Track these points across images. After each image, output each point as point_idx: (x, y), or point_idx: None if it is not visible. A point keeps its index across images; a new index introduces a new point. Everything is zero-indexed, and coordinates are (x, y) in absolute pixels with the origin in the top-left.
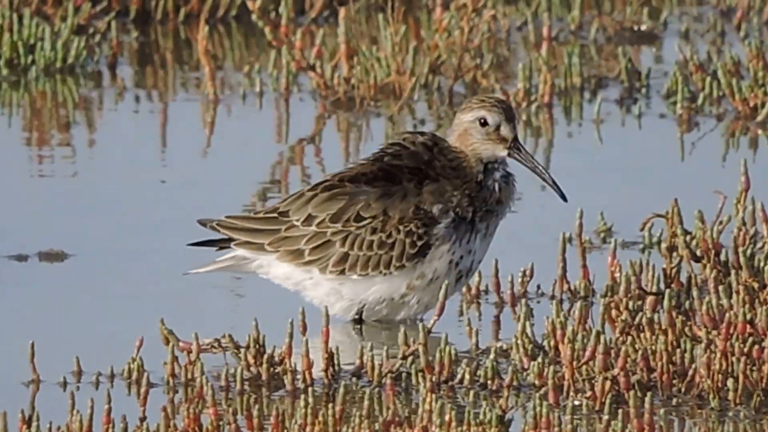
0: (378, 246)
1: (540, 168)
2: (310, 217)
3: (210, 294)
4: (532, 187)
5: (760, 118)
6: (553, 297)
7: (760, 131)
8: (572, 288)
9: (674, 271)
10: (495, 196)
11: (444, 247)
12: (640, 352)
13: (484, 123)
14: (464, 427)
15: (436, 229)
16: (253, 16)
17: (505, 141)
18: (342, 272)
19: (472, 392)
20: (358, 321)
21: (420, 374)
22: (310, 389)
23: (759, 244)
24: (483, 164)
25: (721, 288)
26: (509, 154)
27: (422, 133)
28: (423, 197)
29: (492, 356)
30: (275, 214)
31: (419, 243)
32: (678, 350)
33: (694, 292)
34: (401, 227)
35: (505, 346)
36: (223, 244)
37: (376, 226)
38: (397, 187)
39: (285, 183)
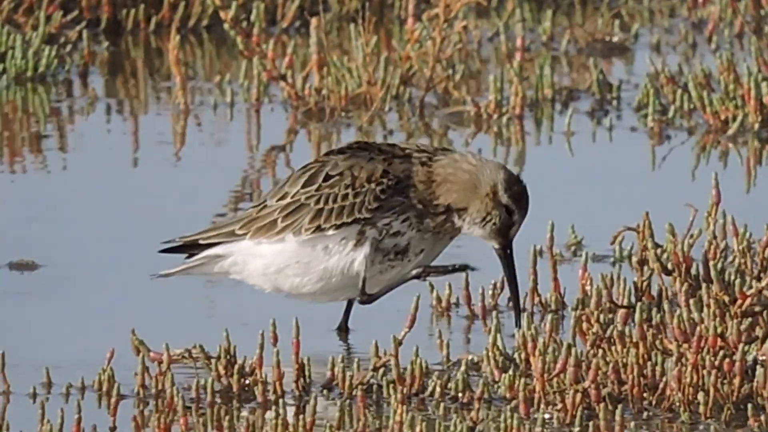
0: (353, 196)
1: (516, 284)
2: (286, 194)
3: (182, 304)
4: None
5: (731, 132)
6: (524, 310)
7: (731, 145)
8: (543, 301)
9: (645, 284)
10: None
11: (387, 212)
12: (611, 365)
13: (510, 212)
14: None
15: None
16: (225, 26)
17: (505, 239)
18: (318, 229)
19: (442, 405)
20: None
21: (391, 386)
22: (280, 400)
23: (729, 258)
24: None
25: (692, 301)
26: (498, 250)
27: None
28: (393, 167)
29: (463, 368)
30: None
31: (389, 191)
32: (649, 363)
33: (665, 306)
34: (372, 184)
35: (476, 359)
36: (192, 251)
37: (347, 182)
38: (365, 153)
39: (257, 194)
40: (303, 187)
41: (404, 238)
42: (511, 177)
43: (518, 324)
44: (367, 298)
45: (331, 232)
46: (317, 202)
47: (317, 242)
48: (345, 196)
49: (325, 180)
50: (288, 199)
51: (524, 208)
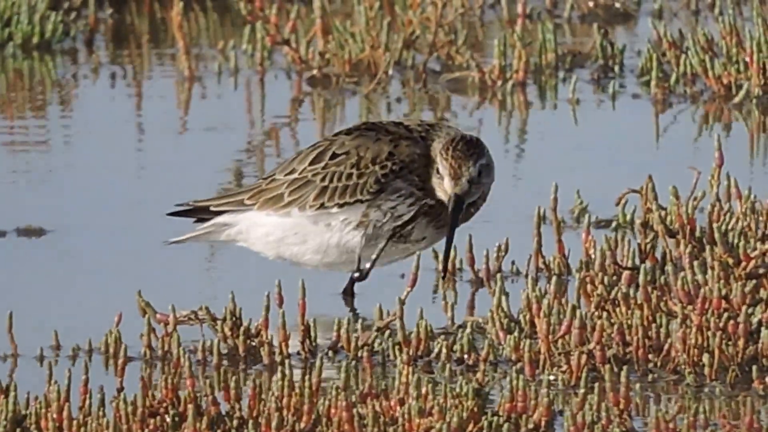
0: (357, 177)
1: (450, 237)
2: (294, 170)
3: (188, 267)
4: (507, 163)
5: (736, 100)
6: (527, 274)
7: (736, 113)
8: (547, 263)
9: (649, 246)
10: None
11: (392, 195)
12: (615, 327)
13: (437, 170)
14: (441, 400)
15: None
16: None
17: (445, 193)
18: (322, 206)
19: (448, 366)
20: (359, 269)
21: (396, 348)
22: (286, 361)
23: (733, 221)
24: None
25: (696, 263)
26: (446, 203)
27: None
28: (399, 149)
29: (468, 330)
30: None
31: (391, 175)
32: (654, 325)
33: (669, 268)
34: (376, 166)
35: (481, 320)
36: (200, 215)
37: (353, 161)
38: (372, 133)
39: (261, 159)
40: (311, 164)
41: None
42: (445, 144)
43: (444, 271)
44: (360, 275)
45: (334, 210)
46: (323, 179)
47: (320, 219)
48: (349, 176)
49: (331, 158)
50: (295, 175)
51: (444, 162)
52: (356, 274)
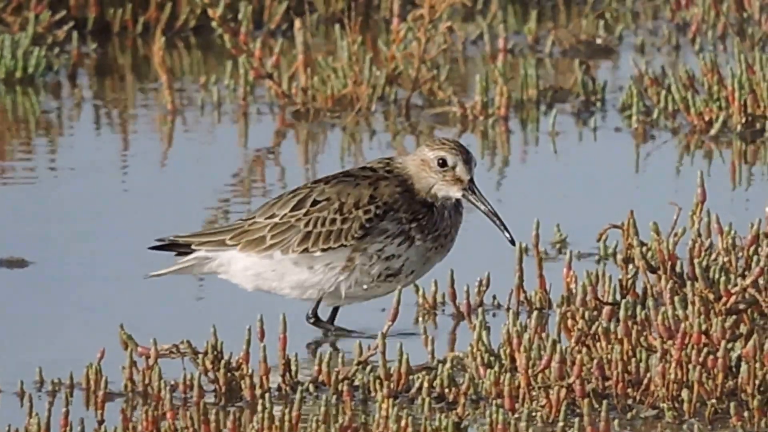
0: (341, 222)
1: (492, 211)
2: (274, 215)
3: (170, 300)
4: (489, 195)
5: (713, 132)
6: (509, 308)
7: (713, 145)
8: (528, 297)
9: (630, 281)
10: (446, 222)
11: (379, 237)
12: (595, 361)
13: (443, 163)
14: None
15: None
16: (213, 24)
17: (461, 182)
18: (305, 251)
19: (428, 400)
20: (314, 314)
21: (377, 382)
22: (267, 395)
23: (713, 256)
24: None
25: (676, 299)
26: (464, 196)
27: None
28: (379, 191)
29: (448, 365)
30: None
31: (376, 219)
32: (633, 360)
33: (650, 303)
34: (359, 211)
35: (461, 355)
36: (182, 249)
37: (335, 207)
38: (350, 179)
39: (246, 192)
40: (292, 210)
41: (399, 261)
42: (429, 142)
43: (513, 242)
44: (314, 321)
45: (318, 254)
46: (306, 224)
47: (302, 260)
48: (333, 221)
49: (313, 205)
50: (276, 219)
51: (452, 151)
52: (310, 315)
